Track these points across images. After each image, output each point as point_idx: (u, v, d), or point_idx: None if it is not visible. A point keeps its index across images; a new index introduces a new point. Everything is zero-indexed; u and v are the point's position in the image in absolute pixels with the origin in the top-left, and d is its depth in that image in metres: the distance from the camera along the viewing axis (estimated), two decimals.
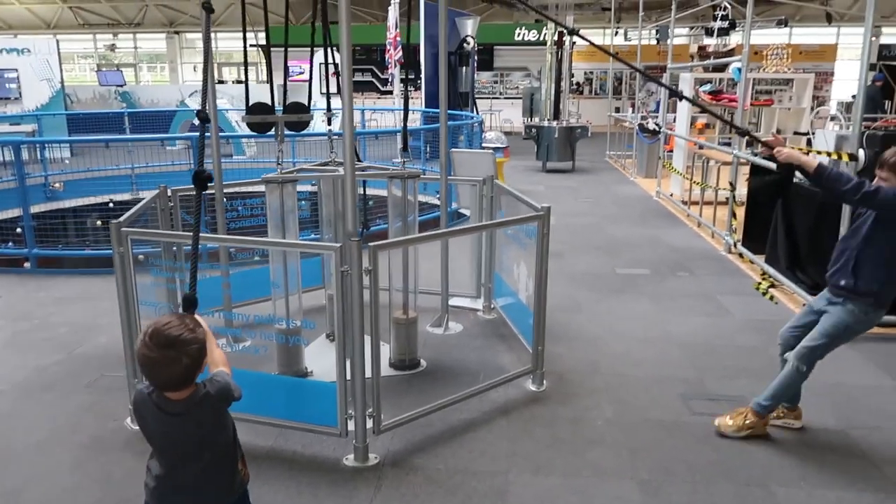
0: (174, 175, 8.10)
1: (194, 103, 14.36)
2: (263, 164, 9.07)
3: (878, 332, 4.55)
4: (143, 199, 3.97)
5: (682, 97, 7.91)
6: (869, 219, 2.99)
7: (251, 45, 4.32)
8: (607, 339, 4.51)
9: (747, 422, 3.27)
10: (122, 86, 19.25)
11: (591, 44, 4.01)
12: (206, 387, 1.99)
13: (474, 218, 5.16)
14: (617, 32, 17.65)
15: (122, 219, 3.33)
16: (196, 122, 2.74)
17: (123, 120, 13.14)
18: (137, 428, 3.16)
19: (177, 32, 25.60)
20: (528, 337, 4.01)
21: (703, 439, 3.29)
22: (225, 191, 4.30)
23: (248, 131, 3.96)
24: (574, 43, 14.27)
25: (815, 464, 3.09)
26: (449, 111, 4.54)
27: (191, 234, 2.69)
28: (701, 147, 8.32)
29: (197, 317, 2.13)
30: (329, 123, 4.31)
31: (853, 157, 4.37)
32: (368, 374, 3.04)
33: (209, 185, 2.67)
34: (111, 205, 8.64)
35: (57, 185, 9.58)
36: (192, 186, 2.56)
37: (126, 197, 9.05)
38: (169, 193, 4.21)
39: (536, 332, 3.79)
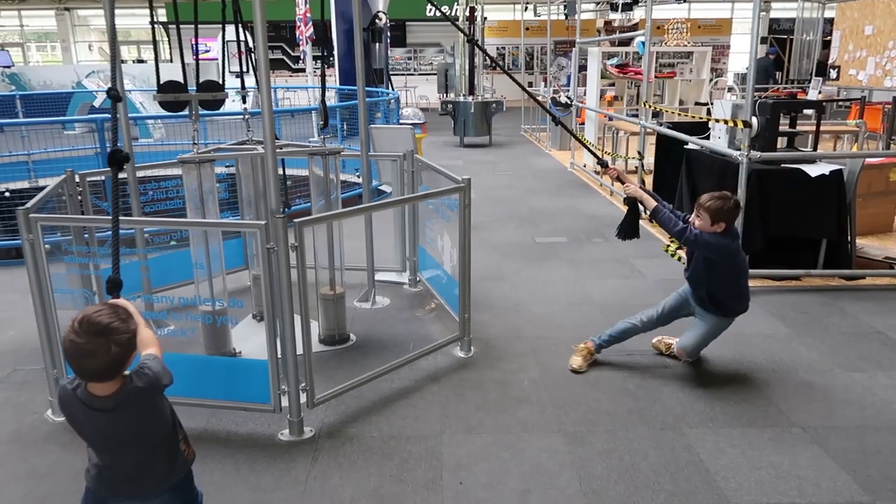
0: (76, 161, 7.69)
1: (92, 84, 13.59)
2: (172, 146, 8.74)
3: (773, 285, 4.96)
4: (42, 187, 3.80)
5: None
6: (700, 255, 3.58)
7: (156, 23, 4.17)
8: (530, 305, 4.69)
9: (589, 354, 3.79)
10: (9, 67, 17.95)
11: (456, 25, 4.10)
12: (135, 380, 1.95)
13: (396, 193, 5.21)
14: (527, 8, 17.90)
15: (29, 205, 3.19)
16: (96, 104, 2.66)
17: (15, 103, 12.29)
18: (60, 419, 3.07)
19: (67, 9, 23.99)
20: (454, 306, 4.12)
21: (622, 391, 3.51)
22: (138, 174, 4.17)
23: (152, 113, 3.84)
24: (486, 18, 14.40)
25: (721, 405, 3.37)
26: (365, 88, 4.54)
27: (106, 218, 2.63)
28: (610, 119, 8.65)
29: (124, 301, 2.11)
30: (244, 102, 4.23)
31: (747, 124, 4.69)
32: (300, 350, 3.07)
33: (125, 161, 2.60)
34: (7, 194, 8.13)
35: None
36: (101, 171, 2.51)
37: (24, 185, 8.54)
38: (77, 178, 4.03)
39: (462, 300, 3.91)
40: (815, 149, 6.01)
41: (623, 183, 3.76)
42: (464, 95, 12.79)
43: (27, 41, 25.61)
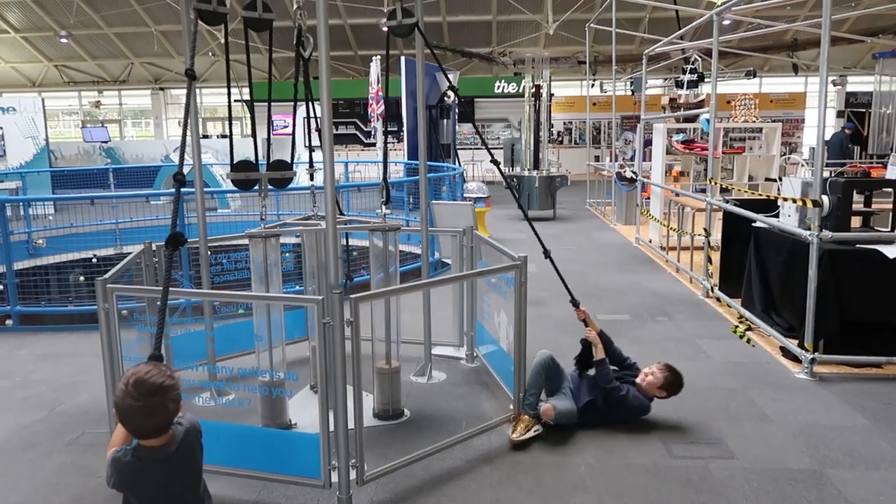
0: (159, 230, 8.17)
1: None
2: (248, 217, 9.18)
3: (850, 372, 4.67)
4: (127, 253, 4.03)
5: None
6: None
7: (235, 101, 4.47)
8: None
9: (527, 425, 3.78)
10: (106, 142, 19.45)
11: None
12: (178, 428, 2.09)
13: (455, 267, 5.26)
14: (593, 84, 18.20)
15: (107, 275, 3.39)
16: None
17: (108, 176, 13.25)
18: None
19: (161, 89, 25.99)
20: (509, 384, 4.06)
21: (685, 482, 3.33)
22: (210, 245, 4.38)
23: (232, 186, 4.06)
24: (552, 94, 14.71)
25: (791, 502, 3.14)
26: (430, 163, 4.69)
27: (179, 290, 2.76)
28: (677, 195, 8.55)
29: None
30: (312, 178, 4.43)
31: (816, 204, 4.54)
32: (352, 424, 3.08)
33: (181, 245, 2.77)
34: (94, 260, 8.67)
35: (40, 241, 9.60)
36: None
37: (110, 252, 9.10)
38: (154, 248, 4.27)
39: (517, 378, 3.85)
40: (893, 229, 5.73)
41: (586, 325, 4.13)
42: (528, 169, 12.95)
43: (125, 118, 27.78)
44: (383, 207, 4.25)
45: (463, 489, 3.30)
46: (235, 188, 4.07)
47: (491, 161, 4.56)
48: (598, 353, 3.98)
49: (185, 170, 2.99)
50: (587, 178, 15.29)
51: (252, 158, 4.15)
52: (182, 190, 2.94)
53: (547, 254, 4.28)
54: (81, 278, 8.33)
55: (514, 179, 12.69)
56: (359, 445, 3.11)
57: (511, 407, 3.97)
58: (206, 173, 12.33)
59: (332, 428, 3.04)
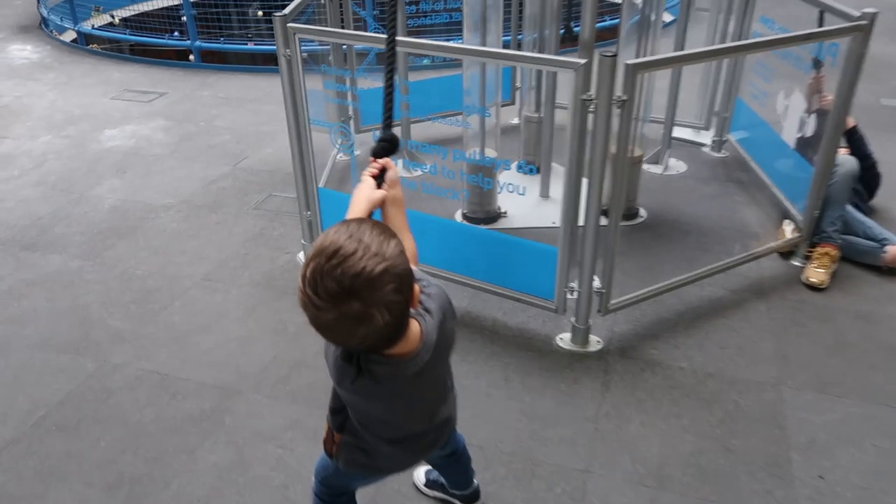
0: None
1: None
2: None
3: None
4: None
5: None
6: None
7: None
8: None
9: (832, 258, 2.78)
10: None
11: None
12: (427, 315, 1.17)
13: (712, 21, 3.89)
14: None
15: (286, 11, 2.58)
16: None
17: None
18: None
19: None
20: (788, 192, 3.03)
21: None
22: None
23: None
24: None
25: None
26: None
27: (374, 36, 1.90)
28: None
29: (389, 172, 1.38)
30: None
31: None
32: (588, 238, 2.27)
33: None
34: None
35: None
36: None
37: None
38: None
39: (815, 189, 2.78)
40: None
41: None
42: None
43: None
44: None
45: (733, 332, 2.49)
46: None
47: None
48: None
49: None
50: None
51: None
52: None
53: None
54: (260, 13, 7.71)
55: None
56: (608, 264, 2.33)
57: (790, 227, 2.96)
58: None
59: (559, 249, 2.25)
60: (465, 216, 3.21)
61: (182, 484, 1.94)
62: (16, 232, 3.30)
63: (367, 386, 1.12)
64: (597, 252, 2.27)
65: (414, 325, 1.13)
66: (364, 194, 1.32)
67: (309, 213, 2.83)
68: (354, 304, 0.98)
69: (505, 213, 3.23)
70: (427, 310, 1.17)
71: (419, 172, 3.44)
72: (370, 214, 1.29)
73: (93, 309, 2.72)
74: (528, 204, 3.28)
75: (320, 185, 2.87)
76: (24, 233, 3.29)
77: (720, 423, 2.10)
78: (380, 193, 1.33)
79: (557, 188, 3.21)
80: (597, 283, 2.36)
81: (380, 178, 1.36)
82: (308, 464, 1.96)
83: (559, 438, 2.06)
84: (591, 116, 2.07)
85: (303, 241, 2.96)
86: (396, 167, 1.39)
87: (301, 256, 3.01)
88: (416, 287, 1.09)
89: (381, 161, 1.38)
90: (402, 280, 1.03)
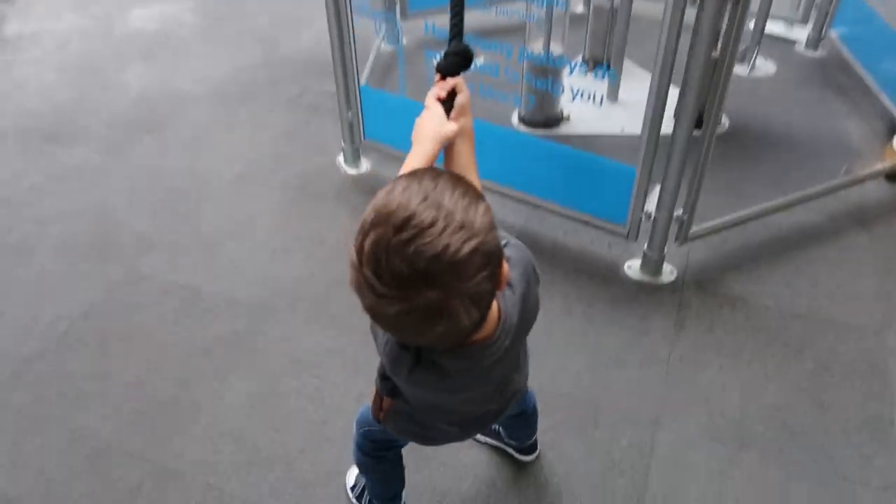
0: None
1: None
2: None
3: None
4: None
5: None
6: None
7: None
8: None
9: None
10: None
11: None
12: (514, 285, 0.92)
13: None
14: None
15: None
16: None
17: None
18: (353, 171, 2.43)
19: None
20: None
21: None
22: None
23: None
24: None
25: None
26: None
27: None
28: None
29: (459, 97, 1.08)
30: None
31: None
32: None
33: None
34: None
35: None
36: None
37: None
38: None
39: None
40: None
41: None
42: None
43: None
44: None
45: (829, 267, 2.19)
46: None
47: None
48: None
49: None
50: None
51: None
52: None
53: None
54: None
55: None
56: (693, 190, 2.01)
57: None
58: None
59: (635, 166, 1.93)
60: (522, 119, 2.87)
61: (213, 413, 1.79)
62: (38, 121, 3.08)
63: (430, 379, 0.89)
64: (683, 171, 1.95)
65: (492, 305, 0.86)
66: (432, 128, 1.03)
67: (350, 112, 2.53)
68: (431, 293, 0.70)
69: (568, 117, 2.88)
70: (507, 282, 0.88)
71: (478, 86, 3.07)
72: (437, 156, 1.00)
73: (118, 210, 2.53)
74: (594, 107, 2.90)
75: (362, 80, 2.54)
76: (46, 121, 3.07)
77: (811, 374, 1.85)
78: (452, 127, 1.04)
79: (628, 91, 2.85)
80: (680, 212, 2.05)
81: (448, 102, 1.06)
82: (348, 398, 1.80)
83: (626, 382, 1.84)
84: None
85: (342, 144, 2.68)
86: (468, 89, 1.08)
87: (341, 160, 2.73)
88: (505, 266, 0.79)
89: (452, 81, 1.07)
90: (494, 261, 0.75)
